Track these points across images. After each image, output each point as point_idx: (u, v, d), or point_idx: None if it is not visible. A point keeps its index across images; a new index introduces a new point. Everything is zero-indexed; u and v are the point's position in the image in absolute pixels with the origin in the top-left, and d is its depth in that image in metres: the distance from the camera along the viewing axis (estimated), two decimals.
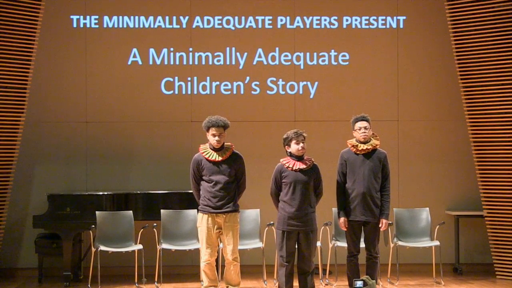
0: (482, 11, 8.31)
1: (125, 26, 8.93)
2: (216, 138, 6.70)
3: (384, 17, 9.12)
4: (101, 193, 8.23)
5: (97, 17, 8.90)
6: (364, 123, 6.82)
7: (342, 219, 6.80)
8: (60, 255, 8.01)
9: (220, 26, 9.03)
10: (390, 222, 7.06)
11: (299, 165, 6.62)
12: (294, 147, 6.64)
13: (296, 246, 6.66)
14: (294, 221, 6.57)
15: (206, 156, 6.75)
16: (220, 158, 6.73)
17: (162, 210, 8.09)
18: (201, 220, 6.76)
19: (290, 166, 6.63)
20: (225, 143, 6.81)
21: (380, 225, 6.78)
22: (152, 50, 8.95)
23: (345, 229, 6.81)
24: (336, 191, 6.86)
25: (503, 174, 8.35)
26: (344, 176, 6.84)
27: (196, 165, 6.79)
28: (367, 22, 9.11)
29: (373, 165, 6.78)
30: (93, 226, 7.86)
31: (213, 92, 8.99)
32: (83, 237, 8.53)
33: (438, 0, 8.90)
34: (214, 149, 6.76)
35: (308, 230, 6.59)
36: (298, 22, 9.07)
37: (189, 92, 8.99)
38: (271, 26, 9.08)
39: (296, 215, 6.56)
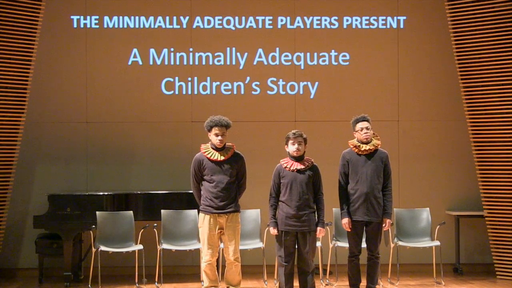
0: (483, 11, 8.31)
1: (125, 26, 8.93)
2: (219, 137, 6.71)
3: (384, 17, 9.12)
4: (101, 193, 8.23)
5: (97, 17, 8.90)
6: (365, 124, 6.83)
7: (346, 220, 6.78)
8: (61, 255, 8.02)
9: (221, 26, 9.04)
10: (391, 222, 7.04)
11: (297, 166, 6.64)
12: (290, 148, 6.68)
13: (296, 246, 6.66)
14: (292, 221, 6.58)
15: (208, 156, 6.75)
16: (222, 158, 6.74)
17: (162, 210, 8.09)
18: (202, 221, 6.76)
19: (288, 166, 6.65)
20: (226, 143, 6.82)
21: (383, 225, 6.78)
22: (152, 50, 8.95)
23: (349, 230, 6.80)
24: (338, 192, 6.86)
25: (504, 174, 8.35)
26: (346, 176, 6.84)
27: (197, 164, 6.79)
28: (367, 22, 9.12)
29: (375, 165, 6.78)
30: (93, 226, 7.86)
31: (214, 92, 9.00)
32: (84, 237, 8.53)
33: (438, 0, 8.90)
34: (216, 149, 6.77)
35: (306, 231, 6.59)
36: (298, 22, 9.07)
37: (189, 92, 8.99)
38: (271, 26, 9.08)
39: (294, 215, 6.57)
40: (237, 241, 6.79)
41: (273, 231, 6.65)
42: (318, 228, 6.61)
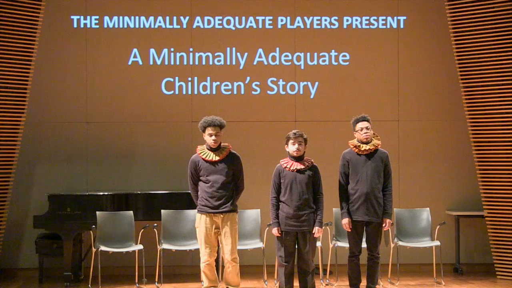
0: (483, 11, 8.31)
1: (125, 26, 8.93)
2: (213, 137, 6.71)
3: (384, 17, 9.12)
4: (101, 193, 8.23)
5: (97, 17, 8.90)
6: (365, 124, 6.83)
7: (346, 220, 6.78)
8: (61, 255, 8.01)
9: (221, 26, 9.04)
10: (391, 222, 7.04)
11: (297, 166, 6.64)
12: (290, 148, 6.68)
13: (296, 246, 6.67)
14: (292, 221, 6.58)
15: (203, 157, 6.76)
16: (217, 158, 6.74)
17: (162, 210, 8.09)
18: (199, 221, 6.77)
19: (288, 166, 6.66)
20: (222, 143, 6.82)
21: (383, 225, 6.78)
22: (152, 50, 8.95)
23: (349, 230, 6.80)
24: (338, 192, 6.87)
25: (504, 174, 8.35)
26: (347, 176, 6.84)
27: (193, 166, 6.80)
28: (367, 22, 9.12)
29: (375, 165, 6.78)
30: (93, 226, 7.86)
31: (214, 92, 9.00)
32: (84, 237, 8.52)
33: (438, 0, 8.91)
34: (211, 149, 6.77)
35: (306, 231, 6.59)
36: (298, 22, 9.07)
37: (189, 92, 8.99)
38: (271, 26, 9.08)
39: (293, 215, 6.57)
40: (234, 241, 6.76)
41: (276, 231, 6.65)
42: (316, 228, 6.61)
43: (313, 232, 6.60)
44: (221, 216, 6.72)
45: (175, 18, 8.99)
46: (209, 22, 9.02)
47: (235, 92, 9.03)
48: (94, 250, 7.75)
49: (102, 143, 8.87)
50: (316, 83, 9.09)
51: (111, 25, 8.92)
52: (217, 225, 6.75)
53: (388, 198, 6.81)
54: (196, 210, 6.86)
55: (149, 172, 8.87)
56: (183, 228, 8.08)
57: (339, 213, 6.94)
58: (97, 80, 8.91)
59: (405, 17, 9.14)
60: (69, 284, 7.90)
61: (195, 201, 6.89)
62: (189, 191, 7.03)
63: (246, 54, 9.03)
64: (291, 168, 6.64)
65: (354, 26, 9.12)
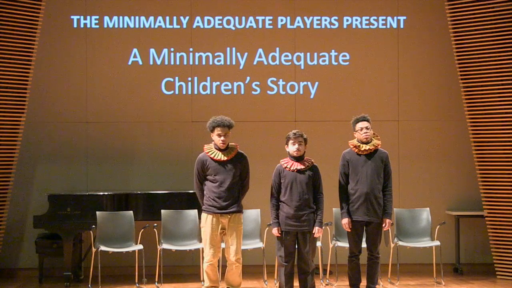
0: (483, 11, 8.32)
1: (125, 26, 8.93)
2: (222, 138, 6.70)
3: (384, 17, 9.12)
4: (101, 193, 8.23)
5: (97, 17, 8.90)
6: (365, 123, 6.83)
7: (346, 220, 6.78)
8: (61, 255, 8.02)
9: (221, 26, 9.04)
10: (391, 222, 7.05)
11: (297, 166, 6.65)
12: (290, 148, 6.69)
13: (296, 246, 6.67)
14: (292, 221, 6.59)
15: (212, 156, 6.74)
16: (226, 158, 6.73)
17: (162, 210, 8.09)
18: (205, 220, 6.76)
19: (288, 166, 6.66)
20: (229, 143, 6.81)
21: (383, 225, 6.78)
22: (152, 50, 8.96)
23: (349, 230, 6.80)
24: (338, 192, 6.87)
25: (504, 174, 8.35)
26: (347, 176, 6.84)
27: (201, 164, 6.77)
28: (367, 22, 9.12)
29: (375, 165, 6.78)
30: (93, 226, 7.86)
31: (214, 92, 9.00)
32: (84, 237, 8.53)
33: (438, 0, 8.91)
34: (219, 149, 6.76)
35: (306, 231, 6.60)
36: (298, 22, 9.07)
37: (189, 92, 8.99)
38: (271, 26, 9.08)
39: (294, 215, 6.57)
40: (239, 242, 6.78)
41: (276, 231, 6.66)
42: (316, 228, 6.62)
43: (313, 232, 6.61)
44: (228, 216, 6.72)
45: (175, 18, 8.99)
46: (209, 22, 9.02)
47: (235, 92, 9.03)
48: (94, 250, 7.76)
49: (102, 143, 8.87)
50: (316, 83, 9.09)
51: (111, 25, 8.92)
52: (223, 226, 6.74)
53: (388, 198, 6.81)
54: (196, 210, 6.85)
55: (149, 172, 8.87)
56: (183, 228, 8.08)
57: (339, 213, 6.94)
58: (97, 80, 8.91)
59: (405, 17, 9.14)
60: (69, 284, 7.91)
61: (200, 201, 6.86)
62: (190, 191, 7.03)
63: (246, 54, 9.03)
64: (291, 168, 6.65)
65: (354, 26, 9.12)
